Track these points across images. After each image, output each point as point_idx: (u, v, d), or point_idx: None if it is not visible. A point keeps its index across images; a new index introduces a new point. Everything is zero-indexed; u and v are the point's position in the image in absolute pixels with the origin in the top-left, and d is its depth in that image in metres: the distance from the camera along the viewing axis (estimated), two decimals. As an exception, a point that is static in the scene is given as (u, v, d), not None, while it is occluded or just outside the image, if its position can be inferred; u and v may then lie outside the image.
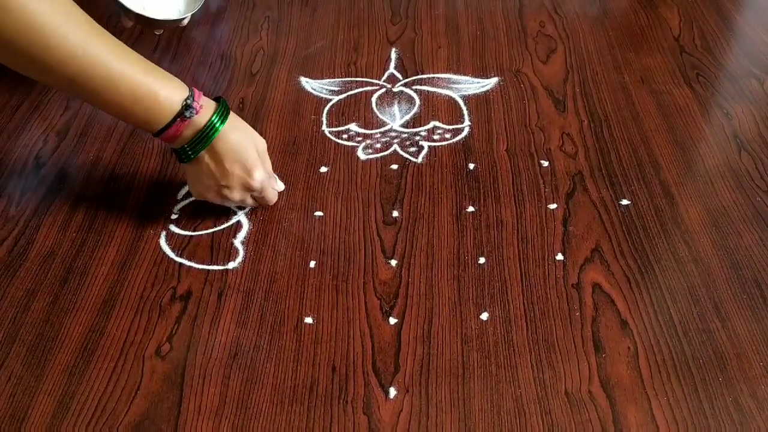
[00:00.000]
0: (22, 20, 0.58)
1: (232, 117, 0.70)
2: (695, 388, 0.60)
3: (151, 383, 0.61)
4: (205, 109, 0.68)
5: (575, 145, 0.84)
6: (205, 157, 0.70)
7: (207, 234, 0.74)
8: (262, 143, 0.73)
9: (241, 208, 0.77)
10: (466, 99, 0.92)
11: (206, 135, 0.68)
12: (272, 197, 0.76)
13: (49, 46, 0.60)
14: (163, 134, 0.68)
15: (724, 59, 0.99)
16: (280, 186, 0.77)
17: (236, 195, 0.72)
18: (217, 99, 0.70)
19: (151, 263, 0.71)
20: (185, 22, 0.99)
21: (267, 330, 0.65)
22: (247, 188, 0.72)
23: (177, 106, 0.67)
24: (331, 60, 0.99)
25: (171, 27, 1.00)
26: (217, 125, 0.68)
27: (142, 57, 0.66)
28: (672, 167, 0.81)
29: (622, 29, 1.05)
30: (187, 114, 0.67)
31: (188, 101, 0.67)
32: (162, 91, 0.66)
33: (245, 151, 0.70)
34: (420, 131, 0.87)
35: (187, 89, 0.68)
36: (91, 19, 0.64)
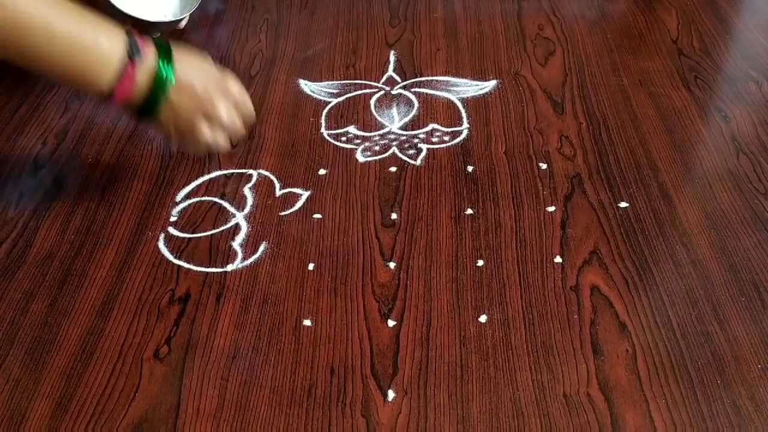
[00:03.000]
0: None
1: (175, 50, 0.66)
2: (693, 390, 0.60)
3: (150, 385, 0.61)
4: (150, 51, 0.63)
5: (573, 148, 0.84)
6: (173, 96, 0.65)
7: (205, 236, 0.74)
8: (208, 57, 0.69)
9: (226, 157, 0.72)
10: (465, 101, 0.92)
11: (159, 87, 0.63)
12: (251, 105, 0.72)
13: None
14: (116, 90, 0.62)
15: (722, 62, 0.99)
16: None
17: (223, 109, 0.68)
18: (153, 40, 0.65)
19: (149, 265, 0.71)
20: (182, 25, 0.99)
21: (265, 332, 0.65)
22: (231, 99, 0.68)
23: (120, 48, 0.61)
24: (330, 62, 0.99)
25: (167, 30, 1.00)
26: (167, 73, 0.63)
27: (80, 8, 0.61)
28: (670, 170, 0.81)
29: (620, 32, 1.05)
30: (135, 54, 0.62)
31: (130, 39, 0.62)
32: (103, 36, 0.61)
33: (209, 67, 0.68)
34: (419, 134, 0.87)
35: (124, 31, 0.63)
36: None
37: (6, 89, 0.94)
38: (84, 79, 0.62)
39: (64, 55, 0.60)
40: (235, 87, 0.69)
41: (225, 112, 0.68)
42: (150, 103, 0.65)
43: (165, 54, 0.65)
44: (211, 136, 0.69)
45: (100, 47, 0.61)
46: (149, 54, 0.63)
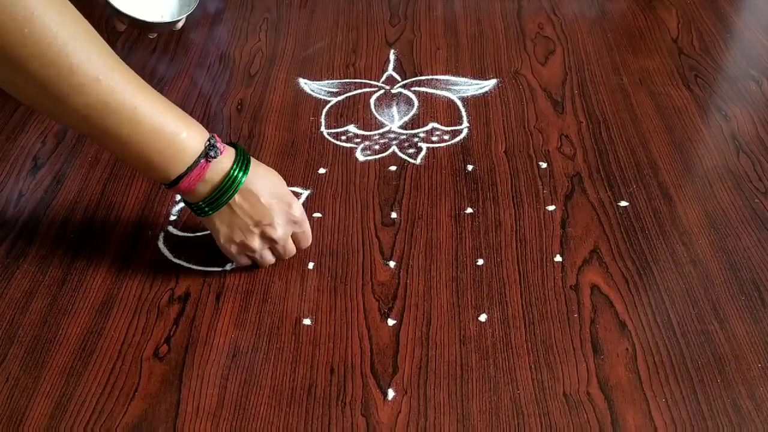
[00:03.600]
0: (46, 33, 0.52)
1: (252, 159, 0.66)
2: (693, 389, 0.60)
3: (149, 385, 0.61)
4: (227, 153, 0.63)
5: (574, 147, 0.84)
6: (237, 198, 0.64)
7: (205, 235, 0.74)
8: (282, 179, 0.68)
9: (254, 263, 0.70)
10: (465, 100, 0.92)
11: (228, 187, 0.63)
12: (310, 233, 0.71)
13: (71, 67, 0.54)
14: (183, 180, 0.62)
15: (723, 61, 0.99)
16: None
17: (280, 230, 0.66)
18: (233, 145, 0.65)
19: (149, 264, 0.71)
20: (179, 25, 0.99)
21: (265, 331, 0.65)
22: (291, 220, 0.67)
23: (199, 146, 0.61)
24: (330, 61, 0.99)
25: (165, 30, 1.00)
26: (239, 177, 0.63)
27: (159, 93, 0.61)
28: (670, 169, 0.81)
29: (620, 31, 1.05)
30: (212, 154, 0.62)
31: (212, 141, 0.62)
32: (185, 129, 0.61)
33: (275, 185, 0.66)
34: (419, 133, 0.87)
35: (207, 132, 0.63)
36: (111, 48, 0.59)
37: (5, 88, 0.94)
38: (156, 168, 0.61)
39: (143, 142, 0.59)
40: (298, 210, 0.67)
41: (282, 229, 0.66)
42: (213, 201, 0.63)
43: (243, 160, 0.64)
44: (259, 248, 0.67)
45: (181, 142, 0.61)
46: (226, 155, 0.63)
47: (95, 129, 0.58)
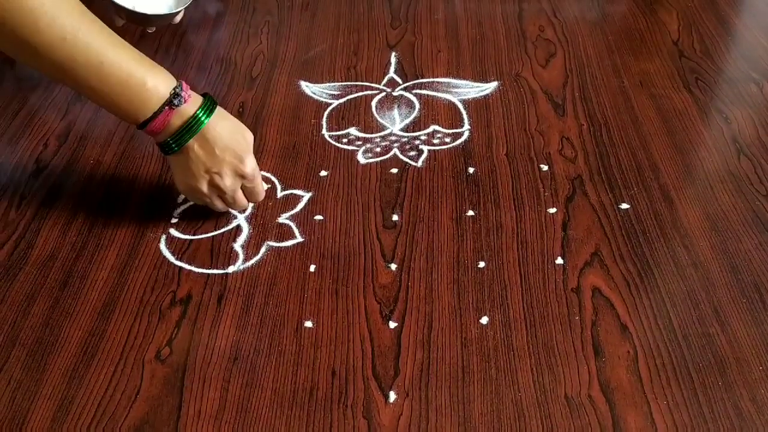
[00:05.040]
0: (13, 0, 0.58)
1: (220, 109, 0.70)
2: (695, 392, 0.60)
3: (151, 387, 0.61)
4: (192, 101, 0.68)
5: (575, 149, 0.84)
6: (195, 145, 0.69)
7: (207, 238, 0.74)
8: (250, 135, 0.72)
9: (225, 212, 0.76)
10: (466, 103, 0.92)
11: (192, 125, 0.68)
12: (261, 190, 0.75)
13: (39, 28, 0.60)
14: (149, 124, 0.67)
15: (723, 64, 0.99)
16: (263, 187, 0.77)
17: (228, 180, 0.71)
18: (204, 94, 0.70)
19: (151, 267, 0.71)
20: (177, 18, 0.99)
21: (267, 334, 0.65)
22: (239, 174, 0.71)
23: (165, 94, 0.66)
24: (331, 64, 0.99)
25: (163, 24, 1.00)
26: (203, 117, 0.68)
27: (131, 46, 0.66)
28: (671, 171, 0.81)
29: (621, 34, 1.05)
30: (176, 102, 0.66)
31: (177, 90, 0.67)
32: (150, 79, 0.65)
33: (235, 138, 0.70)
34: (420, 135, 0.87)
35: (175, 80, 0.68)
36: (84, 6, 0.64)
37: (7, 92, 0.94)
38: (125, 113, 0.67)
39: (111, 93, 0.65)
40: (249, 166, 0.71)
41: (229, 180, 0.71)
42: (177, 138, 0.68)
43: (208, 105, 0.69)
44: (208, 193, 0.72)
45: (147, 91, 0.66)
46: (191, 103, 0.68)
47: (68, 81, 0.65)
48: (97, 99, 0.66)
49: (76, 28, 0.62)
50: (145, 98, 0.66)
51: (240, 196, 0.73)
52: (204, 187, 0.71)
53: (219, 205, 0.74)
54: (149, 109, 0.66)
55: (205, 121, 0.68)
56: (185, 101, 0.67)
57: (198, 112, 0.68)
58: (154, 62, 0.67)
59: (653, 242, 0.73)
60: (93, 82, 0.64)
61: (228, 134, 0.70)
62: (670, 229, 0.74)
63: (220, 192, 0.72)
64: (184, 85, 0.68)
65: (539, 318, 0.66)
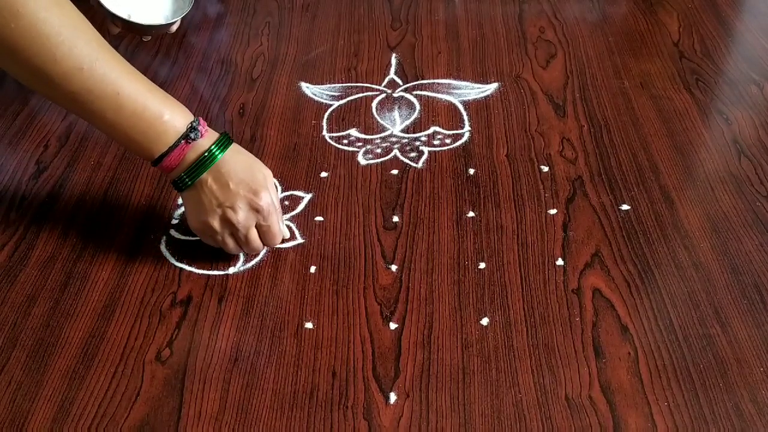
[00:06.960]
0: (30, 28, 0.58)
1: (236, 145, 0.68)
2: (696, 393, 0.60)
3: (152, 388, 0.61)
4: (209, 135, 0.66)
5: (575, 150, 0.84)
6: (209, 179, 0.66)
7: (207, 239, 0.74)
8: (268, 171, 0.69)
9: (236, 255, 0.72)
10: (466, 104, 0.92)
11: (206, 159, 0.65)
12: (277, 231, 0.70)
13: (55, 57, 0.59)
14: (165, 159, 0.65)
15: (724, 64, 0.99)
16: (286, 232, 0.73)
17: (241, 215, 0.67)
18: (223, 134, 0.68)
19: (151, 268, 0.71)
20: (173, 28, 0.98)
21: (267, 335, 0.65)
22: (254, 208, 0.67)
23: (181, 127, 0.65)
24: (332, 65, 0.99)
25: (158, 33, 1.00)
26: (217, 152, 0.66)
27: (147, 78, 0.65)
28: (672, 172, 0.81)
29: (621, 35, 1.05)
30: (192, 135, 0.65)
31: (194, 123, 0.65)
32: (167, 112, 0.64)
33: (251, 172, 0.67)
34: (420, 136, 0.87)
35: (192, 115, 0.67)
36: (101, 37, 0.63)
37: (8, 93, 0.94)
38: (139, 146, 0.66)
39: (126, 125, 0.64)
40: (264, 200, 0.67)
41: (242, 214, 0.67)
42: (191, 172, 0.66)
43: (223, 141, 0.67)
44: (220, 230, 0.68)
45: (163, 125, 0.64)
46: (207, 137, 0.66)
47: (82, 112, 0.64)
48: (111, 131, 0.65)
49: (94, 58, 0.61)
50: (161, 131, 0.64)
51: (253, 236, 0.69)
52: (216, 223, 0.67)
53: (230, 244, 0.69)
54: (165, 143, 0.65)
55: (219, 155, 0.66)
56: (202, 135, 0.66)
57: (213, 146, 0.66)
58: (170, 96, 0.66)
59: (654, 243, 0.73)
60: (108, 114, 0.63)
61: (243, 168, 0.67)
62: (670, 230, 0.74)
63: (232, 228, 0.68)
64: (201, 120, 0.66)
65: (540, 319, 0.66)
